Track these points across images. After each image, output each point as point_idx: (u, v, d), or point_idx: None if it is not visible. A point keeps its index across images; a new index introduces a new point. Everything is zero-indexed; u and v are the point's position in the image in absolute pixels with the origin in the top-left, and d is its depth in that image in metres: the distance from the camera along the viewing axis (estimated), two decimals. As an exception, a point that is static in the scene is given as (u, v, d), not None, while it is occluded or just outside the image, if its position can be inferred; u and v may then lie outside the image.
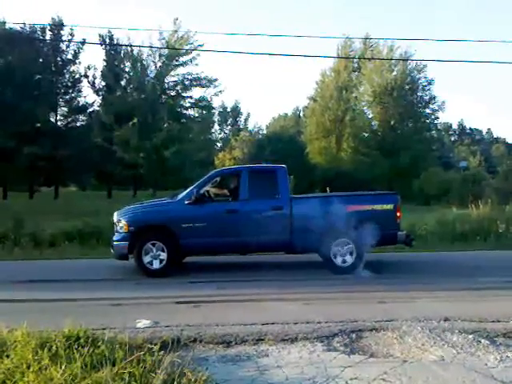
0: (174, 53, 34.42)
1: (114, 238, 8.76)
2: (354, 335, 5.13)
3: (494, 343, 4.89)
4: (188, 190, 8.96)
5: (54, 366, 3.64)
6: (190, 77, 35.77)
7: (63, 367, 3.62)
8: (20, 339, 4.04)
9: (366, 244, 8.37)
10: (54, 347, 3.97)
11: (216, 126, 69.28)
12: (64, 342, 4.04)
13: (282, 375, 4.09)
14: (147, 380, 3.59)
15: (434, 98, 39.04)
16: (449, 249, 12.01)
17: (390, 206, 8.89)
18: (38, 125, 33.35)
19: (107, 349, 4.00)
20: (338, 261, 8.55)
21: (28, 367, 3.59)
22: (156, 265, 8.54)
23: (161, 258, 8.53)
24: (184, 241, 8.49)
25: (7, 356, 3.88)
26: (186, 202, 8.66)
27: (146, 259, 8.51)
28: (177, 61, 35.10)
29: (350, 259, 8.54)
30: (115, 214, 9.06)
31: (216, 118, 62.84)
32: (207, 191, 9.01)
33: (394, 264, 9.79)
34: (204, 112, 38.86)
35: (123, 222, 8.63)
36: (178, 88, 36.18)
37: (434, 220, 14.33)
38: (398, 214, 8.91)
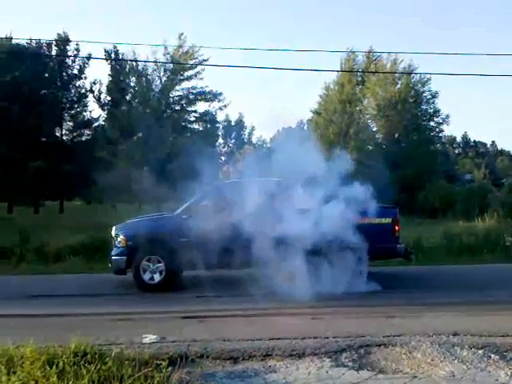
0: (178, 67, 34.65)
1: (112, 253, 8.78)
2: (362, 350, 5.08)
3: (504, 358, 4.83)
4: (186, 204, 8.94)
5: (62, 382, 3.62)
6: (194, 91, 35.98)
7: (70, 384, 3.61)
8: (28, 355, 4.02)
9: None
10: (60, 363, 3.95)
11: (220, 140, 69.53)
12: (71, 359, 4.03)
13: (291, 392, 4.06)
14: (155, 397, 3.57)
15: (439, 111, 39.07)
16: (455, 262, 11.93)
17: (388, 220, 8.84)
18: (44, 139, 33.54)
19: (114, 365, 3.98)
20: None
21: (36, 384, 3.58)
22: (154, 279, 8.53)
23: (159, 272, 8.53)
24: (182, 255, 8.41)
25: (14, 372, 3.86)
26: (184, 217, 8.63)
27: (144, 274, 8.51)
28: (181, 75, 35.29)
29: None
30: (113, 228, 9.07)
31: (220, 132, 63.08)
32: (205, 205, 8.92)
33: (400, 278, 9.73)
34: (208, 126, 39.01)
35: (121, 237, 8.66)
36: (183, 102, 36.36)
37: (440, 233, 14.27)
38: (397, 228, 8.86)
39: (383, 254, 8.88)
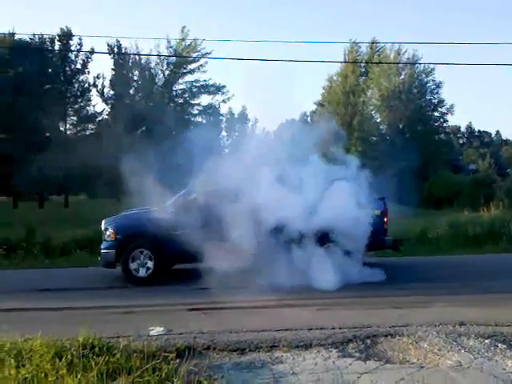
0: (181, 61, 34.66)
1: (102, 246, 8.80)
2: (368, 341, 5.09)
3: (511, 347, 4.83)
4: (175, 197, 8.92)
5: (70, 375, 3.65)
6: (197, 84, 35.99)
7: (79, 376, 3.63)
8: (38, 348, 4.05)
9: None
10: (69, 356, 3.97)
11: (224, 133, 69.42)
12: (80, 351, 4.05)
13: (299, 382, 4.07)
14: (164, 388, 3.59)
15: (443, 101, 38.94)
16: (461, 252, 11.92)
17: (377, 212, 8.79)
18: (48, 134, 33.58)
19: (123, 357, 4.01)
20: None
21: (45, 376, 3.60)
22: (142, 273, 8.56)
23: (147, 266, 8.56)
24: (171, 248, 8.44)
25: (23, 365, 3.89)
26: (173, 210, 8.61)
27: (133, 267, 8.53)
28: (185, 68, 35.34)
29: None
30: (103, 222, 9.06)
31: (223, 125, 63.13)
32: (194, 198, 8.86)
33: (406, 268, 9.73)
34: (212, 119, 39.01)
35: (110, 230, 8.67)
36: (186, 95, 36.37)
37: (446, 223, 14.24)
38: (386, 220, 8.87)
39: (372, 245, 8.72)
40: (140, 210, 9.55)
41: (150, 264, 8.55)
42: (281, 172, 8.52)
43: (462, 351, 4.72)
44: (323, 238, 8.20)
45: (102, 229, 8.97)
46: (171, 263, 9.32)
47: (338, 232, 8.06)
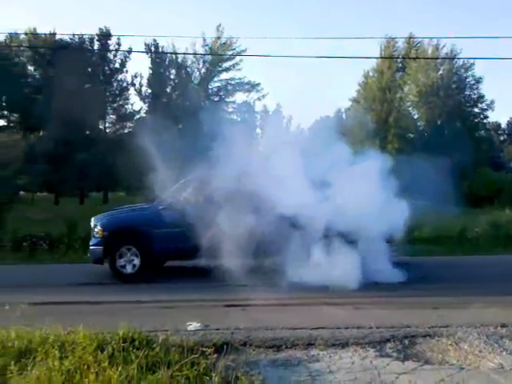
0: (217, 59, 34.89)
1: (90, 243, 8.96)
2: (406, 341, 5.02)
3: (555, 351, 4.69)
4: (164, 195, 8.96)
5: (111, 367, 3.74)
6: (232, 82, 36.21)
7: (120, 369, 3.72)
8: (81, 341, 4.17)
9: None
10: (110, 349, 4.08)
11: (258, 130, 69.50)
12: (120, 344, 4.15)
13: (335, 381, 4.05)
14: (202, 383, 3.64)
15: (483, 96, 37.95)
16: (501, 252, 11.60)
17: None
18: (88, 132, 34.40)
19: (162, 351, 4.08)
20: None
21: (87, 368, 3.70)
22: (129, 269, 8.66)
23: (134, 262, 8.66)
24: (157, 246, 8.56)
25: (66, 357, 4.01)
26: (161, 208, 8.71)
27: (120, 263, 8.66)
28: (220, 67, 35.62)
29: None
30: (92, 219, 9.22)
31: (258, 122, 63.23)
32: (184, 196, 8.94)
33: (445, 268, 9.54)
34: (247, 116, 39.14)
35: (98, 227, 8.80)
36: (222, 93, 36.63)
37: (486, 222, 13.89)
38: None
39: None
40: (129, 207, 9.82)
41: (136, 261, 8.67)
42: (302, 163, 8.38)
43: (504, 353, 4.61)
44: (349, 234, 7.98)
45: (92, 225, 9.14)
46: (160, 260, 9.39)
47: (366, 227, 7.87)
